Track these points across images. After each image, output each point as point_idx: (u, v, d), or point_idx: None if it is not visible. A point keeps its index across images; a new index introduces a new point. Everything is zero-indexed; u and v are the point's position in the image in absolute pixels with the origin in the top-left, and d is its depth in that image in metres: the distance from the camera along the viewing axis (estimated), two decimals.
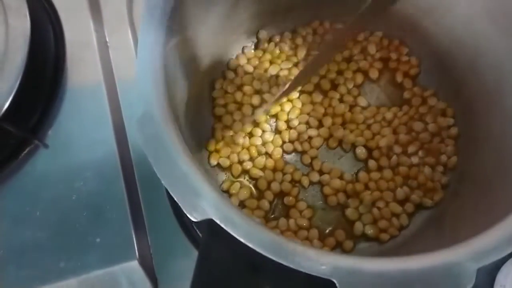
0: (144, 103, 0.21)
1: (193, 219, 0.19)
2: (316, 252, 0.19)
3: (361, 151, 0.34)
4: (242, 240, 0.19)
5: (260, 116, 0.35)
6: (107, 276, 0.33)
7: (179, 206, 0.19)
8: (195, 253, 0.34)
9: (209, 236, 0.21)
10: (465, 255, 0.20)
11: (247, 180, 0.34)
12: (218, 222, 0.19)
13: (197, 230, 0.34)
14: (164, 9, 0.25)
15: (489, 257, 0.20)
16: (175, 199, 0.19)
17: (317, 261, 0.19)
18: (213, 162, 0.34)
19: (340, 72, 0.37)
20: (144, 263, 0.33)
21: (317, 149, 0.35)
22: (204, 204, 0.19)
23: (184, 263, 0.34)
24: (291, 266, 0.19)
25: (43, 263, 0.33)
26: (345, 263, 0.19)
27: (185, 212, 0.19)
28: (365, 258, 0.20)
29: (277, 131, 0.35)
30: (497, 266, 0.33)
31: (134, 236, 0.34)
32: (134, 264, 0.33)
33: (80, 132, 0.37)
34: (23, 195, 0.35)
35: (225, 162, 0.34)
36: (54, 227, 0.34)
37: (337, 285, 0.18)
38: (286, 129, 0.35)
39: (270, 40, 0.38)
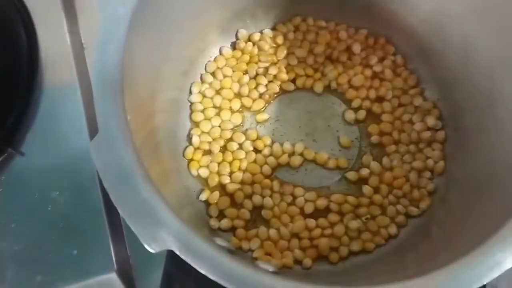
0: (101, 123, 0.20)
1: (151, 250, 0.18)
2: (284, 285, 0.18)
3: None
4: (203, 272, 0.18)
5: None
6: None
7: None
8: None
9: (171, 266, 0.20)
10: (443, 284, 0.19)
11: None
12: (178, 253, 0.18)
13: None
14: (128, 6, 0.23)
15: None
16: (132, 229, 0.18)
17: None
18: (194, 172, 0.32)
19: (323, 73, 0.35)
20: (123, 275, 0.32)
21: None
22: (164, 234, 0.18)
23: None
24: None
25: (20, 277, 0.32)
26: None
27: (143, 242, 0.18)
28: None
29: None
30: None
31: (112, 247, 0.33)
32: (113, 276, 0.32)
33: (56, 139, 0.35)
34: None
35: (205, 172, 0.32)
36: (30, 239, 0.33)
37: None
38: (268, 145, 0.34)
39: (249, 40, 0.36)
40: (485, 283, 0.18)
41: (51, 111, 0.36)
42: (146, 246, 0.18)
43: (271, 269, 0.22)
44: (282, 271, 0.29)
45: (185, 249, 0.18)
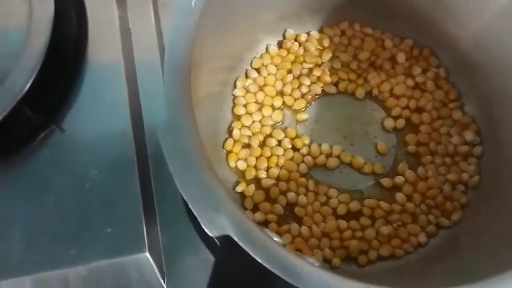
0: (170, 110, 0.21)
1: (211, 234, 0.19)
2: (336, 280, 0.18)
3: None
4: (258, 260, 0.18)
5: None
6: (116, 266, 0.33)
7: None
8: (204, 251, 0.34)
9: (226, 248, 0.20)
10: None
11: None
12: (236, 239, 0.19)
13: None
14: (194, 6, 0.24)
15: None
16: (195, 213, 0.19)
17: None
18: (232, 163, 0.33)
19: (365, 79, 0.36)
20: (153, 257, 0.33)
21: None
22: (224, 220, 0.19)
23: (193, 260, 0.34)
24: None
25: (54, 249, 0.33)
26: None
27: (204, 227, 0.18)
28: None
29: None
30: None
31: (145, 229, 0.34)
32: (144, 257, 0.33)
33: (98, 119, 0.36)
34: (38, 180, 0.35)
35: (242, 165, 0.33)
36: (67, 214, 0.34)
37: None
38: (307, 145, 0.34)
39: (295, 40, 0.37)
40: None
41: (95, 91, 0.37)
42: (206, 230, 0.18)
43: (316, 263, 0.23)
44: None
45: (242, 235, 0.19)
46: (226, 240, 0.20)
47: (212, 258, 0.33)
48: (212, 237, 0.32)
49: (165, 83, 0.21)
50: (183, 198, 0.33)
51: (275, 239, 0.20)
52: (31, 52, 0.33)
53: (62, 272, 0.33)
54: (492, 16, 0.32)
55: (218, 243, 0.29)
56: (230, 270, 0.20)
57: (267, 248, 0.19)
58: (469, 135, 0.34)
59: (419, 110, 0.35)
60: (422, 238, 0.32)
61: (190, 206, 0.19)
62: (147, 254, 0.33)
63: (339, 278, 0.19)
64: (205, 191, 0.19)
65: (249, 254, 0.19)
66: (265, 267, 0.19)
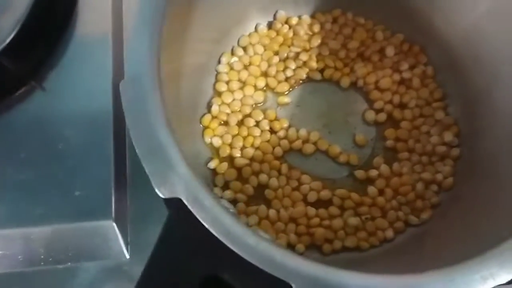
0: (134, 62, 0.20)
1: (160, 195, 0.18)
2: (281, 254, 0.18)
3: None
4: (207, 226, 0.18)
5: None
6: (81, 231, 0.33)
7: None
8: None
9: (176, 212, 0.20)
10: (433, 282, 0.19)
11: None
12: (185, 202, 0.18)
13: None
14: None
15: None
16: (146, 170, 0.18)
17: (281, 263, 0.18)
18: (207, 139, 0.33)
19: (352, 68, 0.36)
20: (119, 225, 0.33)
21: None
22: (175, 180, 0.19)
23: (158, 230, 0.33)
24: (254, 263, 0.18)
25: (19, 206, 0.33)
26: (309, 270, 0.19)
27: (153, 185, 0.18)
28: (332, 269, 0.19)
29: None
30: None
31: (113, 196, 0.33)
32: (110, 224, 0.33)
33: (80, 81, 0.36)
34: (11, 134, 0.34)
35: (217, 142, 0.33)
36: (37, 172, 0.34)
37: None
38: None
39: (286, 22, 0.36)
40: None
41: (80, 54, 0.36)
42: (156, 190, 0.18)
43: (268, 238, 0.23)
44: None
45: (193, 199, 0.18)
46: (175, 203, 0.19)
47: None
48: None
49: (132, 35, 0.20)
50: None
51: (229, 209, 0.20)
52: (16, 5, 0.33)
53: (26, 231, 0.32)
54: (479, 16, 0.32)
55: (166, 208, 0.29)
56: (178, 233, 0.20)
57: (216, 213, 0.18)
58: (448, 136, 0.33)
59: (402, 106, 0.35)
60: (389, 233, 0.31)
61: (142, 162, 0.18)
62: (113, 222, 0.32)
63: (285, 252, 0.18)
64: (160, 149, 0.19)
65: (197, 220, 0.19)
66: (213, 237, 0.18)
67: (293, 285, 0.18)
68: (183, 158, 0.19)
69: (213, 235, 0.18)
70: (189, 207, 0.18)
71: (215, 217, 0.18)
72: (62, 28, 0.36)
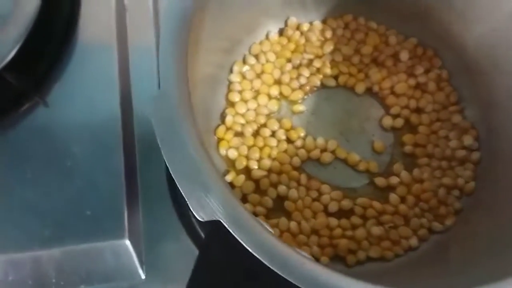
0: (163, 80, 0.19)
1: (199, 219, 0.17)
2: (328, 274, 0.17)
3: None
4: (249, 249, 0.17)
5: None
6: (93, 252, 0.31)
7: (177, 188, 0.17)
8: (186, 239, 0.32)
9: (213, 235, 0.19)
10: None
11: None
12: (226, 225, 0.17)
13: (191, 217, 0.32)
14: None
15: None
16: (182, 193, 0.17)
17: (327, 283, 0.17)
18: (223, 151, 0.32)
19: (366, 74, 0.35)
20: (133, 244, 0.32)
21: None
22: (214, 204, 0.18)
23: (174, 248, 0.32)
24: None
25: (27, 227, 0.31)
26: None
27: (192, 210, 0.17)
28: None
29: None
30: None
31: (126, 214, 0.32)
32: (123, 243, 0.31)
33: (85, 94, 0.35)
34: (17, 152, 0.33)
35: (233, 153, 0.32)
36: (44, 192, 0.32)
37: None
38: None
39: (297, 28, 0.35)
40: None
41: (84, 67, 0.35)
42: (195, 213, 0.17)
43: (308, 256, 0.22)
44: None
45: (234, 221, 0.17)
46: (213, 228, 0.18)
47: (194, 248, 0.32)
48: (195, 226, 0.31)
49: (162, 56, 0.19)
50: (168, 183, 0.33)
51: (268, 228, 0.19)
52: (19, 19, 0.31)
53: (35, 254, 0.31)
54: (500, 20, 0.31)
55: (202, 235, 0.28)
56: (214, 263, 0.19)
57: (259, 236, 0.17)
58: (467, 140, 0.33)
59: (418, 110, 0.34)
60: (414, 241, 0.31)
61: (178, 184, 0.17)
62: (127, 241, 0.31)
63: (331, 273, 0.18)
64: (194, 168, 0.18)
65: (235, 246, 0.18)
66: (251, 261, 0.17)
67: None
68: (220, 179, 0.18)
69: (252, 255, 0.17)
70: (231, 230, 0.17)
71: (260, 240, 0.17)
72: (64, 42, 0.35)
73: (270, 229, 0.21)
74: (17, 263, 0.31)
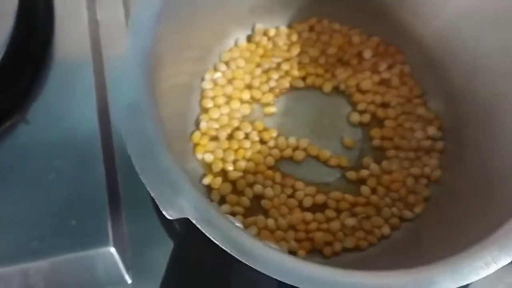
0: (132, 92, 0.20)
1: (168, 217, 0.18)
2: (293, 261, 0.19)
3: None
4: (217, 243, 0.18)
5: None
6: (80, 261, 0.32)
7: None
8: (171, 244, 0.33)
9: (186, 232, 0.20)
10: (442, 274, 0.20)
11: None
12: (194, 222, 0.19)
13: (174, 222, 0.33)
14: None
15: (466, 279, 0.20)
16: (152, 195, 0.19)
17: (297, 271, 0.19)
18: (199, 155, 0.33)
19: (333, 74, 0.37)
20: (118, 251, 0.33)
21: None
22: (182, 202, 0.19)
23: (159, 253, 0.33)
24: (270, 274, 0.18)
25: (14, 240, 0.32)
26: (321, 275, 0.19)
27: (161, 209, 0.18)
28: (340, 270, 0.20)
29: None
30: None
31: (110, 221, 0.33)
32: (109, 250, 0.33)
33: (64, 109, 0.36)
34: (0, 169, 0.34)
35: (209, 157, 0.33)
36: (30, 204, 0.33)
37: None
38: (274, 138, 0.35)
39: (264, 34, 0.37)
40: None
41: (61, 83, 0.36)
42: (164, 213, 0.18)
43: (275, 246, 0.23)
44: None
45: (202, 218, 0.19)
46: (185, 224, 0.20)
47: None
48: (176, 227, 0.32)
49: (128, 68, 0.21)
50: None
51: (237, 224, 0.20)
52: None
53: (23, 266, 0.32)
54: (450, 15, 0.33)
55: (177, 228, 0.29)
56: (189, 255, 0.20)
57: (226, 230, 0.19)
58: (431, 130, 0.34)
59: (384, 105, 0.36)
60: (386, 230, 0.32)
61: (148, 188, 0.19)
62: (112, 248, 0.32)
63: (298, 261, 0.19)
64: (164, 173, 0.19)
65: (208, 239, 0.19)
66: (224, 253, 0.19)
67: None
68: (188, 180, 0.19)
69: (224, 252, 0.19)
70: (198, 226, 0.19)
71: (227, 234, 0.18)
72: (41, 60, 0.36)
73: (239, 224, 0.22)
74: (5, 276, 0.32)
